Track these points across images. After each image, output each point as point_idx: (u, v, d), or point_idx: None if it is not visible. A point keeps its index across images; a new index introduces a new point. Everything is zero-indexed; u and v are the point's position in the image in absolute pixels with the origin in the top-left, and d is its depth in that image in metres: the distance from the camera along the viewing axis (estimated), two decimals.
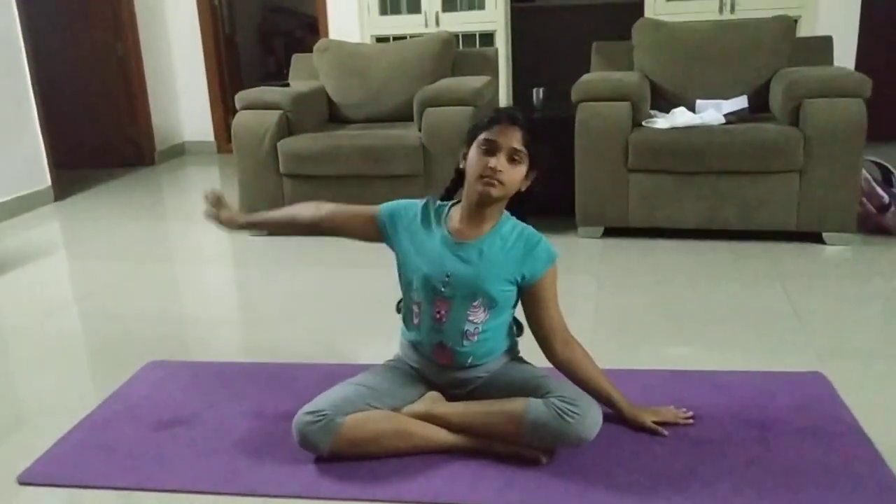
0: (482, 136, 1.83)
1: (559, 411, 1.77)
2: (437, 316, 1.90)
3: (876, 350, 2.49)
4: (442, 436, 1.91)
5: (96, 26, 5.91)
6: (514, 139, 1.82)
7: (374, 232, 1.99)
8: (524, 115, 1.87)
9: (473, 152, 1.85)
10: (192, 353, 2.67)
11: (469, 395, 1.97)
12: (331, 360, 2.53)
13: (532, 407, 1.81)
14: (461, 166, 1.90)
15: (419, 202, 1.98)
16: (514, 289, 1.90)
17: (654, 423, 1.97)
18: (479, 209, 1.88)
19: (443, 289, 1.88)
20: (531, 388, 1.87)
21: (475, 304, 1.88)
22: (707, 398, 2.14)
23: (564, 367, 1.94)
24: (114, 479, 1.89)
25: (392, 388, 1.96)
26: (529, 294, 1.91)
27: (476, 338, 1.91)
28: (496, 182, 1.80)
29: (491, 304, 1.89)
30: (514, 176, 1.83)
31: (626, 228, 3.71)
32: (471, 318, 1.89)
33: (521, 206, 1.95)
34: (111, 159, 6.10)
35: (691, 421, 2.01)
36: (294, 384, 2.31)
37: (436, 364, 1.96)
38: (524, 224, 1.93)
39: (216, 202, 2.08)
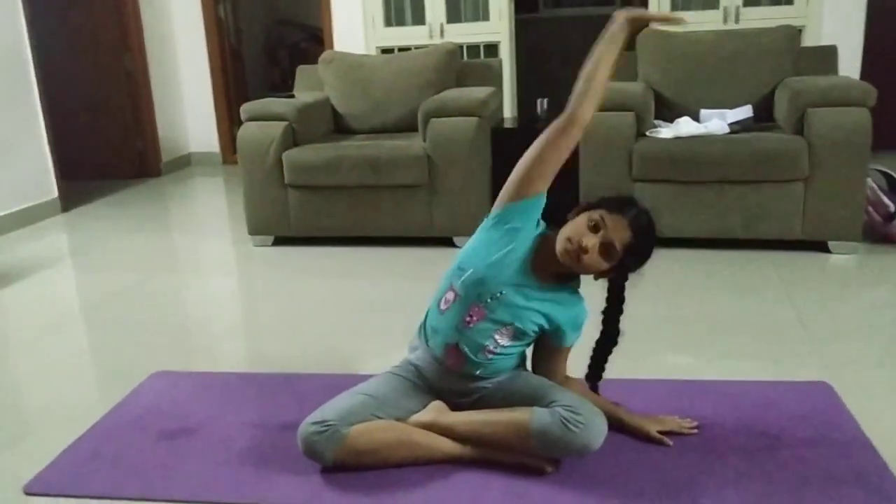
0: (599, 213, 1.79)
1: (564, 420, 1.77)
2: (467, 319, 1.89)
3: (881, 359, 2.48)
4: (446, 445, 1.91)
5: (103, 39, 5.95)
6: (620, 237, 1.77)
7: (525, 193, 1.88)
8: (649, 221, 1.83)
9: (583, 217, 1.81)
10: (197, 364, 2.68)
11: (473, 404, 1.96)
12: (335, 370, 2.53)
13: (537, 416, 1.81)
14: (569, 217, 1.87)
15: (542, 226, 1.93)
16: (540, 332, 1.93)
17: (659, 432, 1.97)
18: (555, 261, 1.84)
19: (488, 300, 1.87)
20: (536, 398, 1.87)
21: (506, 328, 1.89)
22: (712, 408, 2.14)
23: None
24: (119, 489, 1.89)
25: (396, 397, 1.96)
26: (548, 347, 1.97)
27: (492, 356, 1.92)
28: (575, 255, 1.77)
29: (519, 336, 1.91)
30: (595, 264, 1.79)
31: None
32: (496, 337, 1.89)
33: (613, 316, 1.94)
34: (118, 171, 6.13)
35: (695, 430, 2.01)
36: (298, 394, 2.31)
37: (443, 367, 1.96)
38: (581, 297, 1.94)
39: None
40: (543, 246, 1.88)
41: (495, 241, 1.89)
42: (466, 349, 1.91)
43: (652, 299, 3.09)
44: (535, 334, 1.93)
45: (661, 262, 3.48)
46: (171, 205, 5.39)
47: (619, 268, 1.84)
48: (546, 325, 1.90)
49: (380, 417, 1.90)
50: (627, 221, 1.79)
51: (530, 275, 1.87)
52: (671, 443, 1.96)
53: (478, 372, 1.93)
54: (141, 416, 2.25)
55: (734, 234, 3.58)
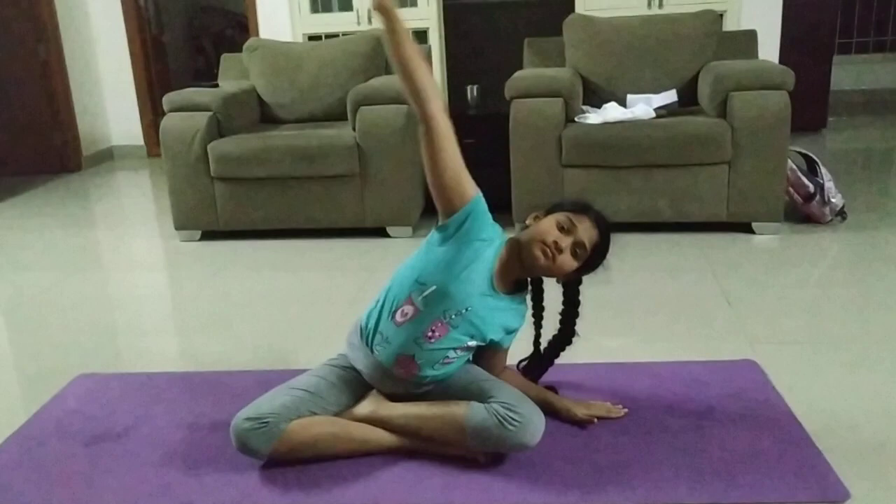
0: (566, 214, 1.86)
1: (500, 418, 1.77)
2: (429, 335, 1.86)
3: (804, 335, 2.56)
4: (384, 438, 1.89)
5: (15, 28, 5.70)
6: (589, 237, 1.86)
7: (454, 204, 1.81)
8: (607, 221, 1.92)
9: (549, 220, 1.87)
10: (124, 365, 2.60)
11: (414, 399, 1.95)
12: (268, 366, 2.49)
13: (474, 412, 1.80)
14: (527, 222, 1.94)
15: (499, 229, 1.92)
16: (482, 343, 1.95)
17: (587, 415, 2.00)
18: (519, 266, 1.88)
19: (452, 315, 1.85)
20: (474, 393, 1.87)
21: (470, 343, 1.89)
22: (644, 389, 2.17)
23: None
24: (44, 498, 1.81)
25: (333, 392, 1.93)
26: (493, 348, 1.99)
27: (447, 365, 1.91)
28: (550, 254, 1.82)
29: (479, 346, 1.93)
30: (566, 264, 1.85)
31: None
32: (458, 349, 1.89)
33: (570, 313, 2.02)
34: (34, 166, 5.90)
35: (622, 413, 2.03)
36: (230, 392, 2.26)
37: (388, 375, 1.92)
38: (524, 302, 1.99)
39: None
40: (506, 254, 1.89)
41: (456, 256, 1.84)
42: (422, 361, 1.88)
43: (583, 283, 3.12)
44: (491, 342, 1.95)
45: None
46: (93, 200, 5.21)
47: (582, 269, 1.91)
48: (504, 335, 1.95)
49: (316, 413, 1.88)
50: (592, 222, 1.87)
51: (493, 286, 1.88)
52: (595, 421, 2.00)
53: (427, 380, 1.92)
54: (65, 421, 2.17)
55: (662, 217, 3.64)
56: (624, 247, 3.50)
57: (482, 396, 1.84)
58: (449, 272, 1.83)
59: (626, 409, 2.05)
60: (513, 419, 1.77)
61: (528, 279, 1.99)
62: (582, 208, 1.90)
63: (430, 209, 4.19)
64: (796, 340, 2.52)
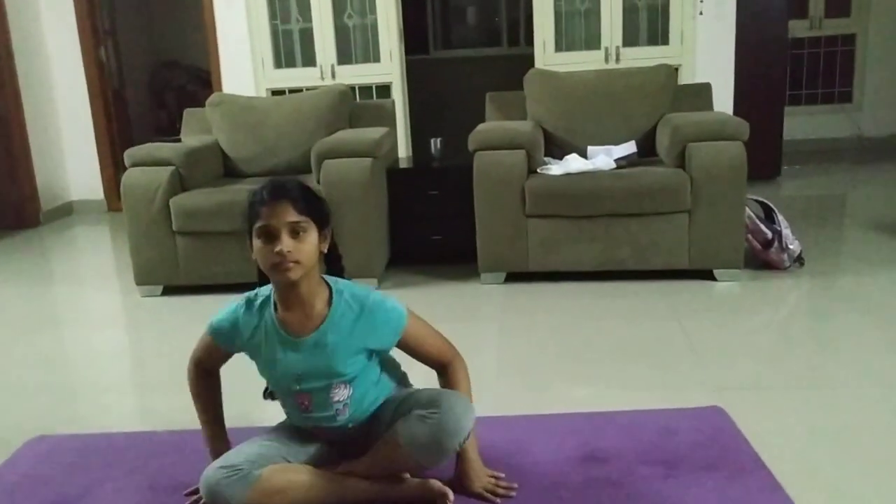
0: (256, 225, 1.73)
1: (422, 417, 1.77)
2: (302, 407, 1.90)
3: (768, 380, 2.58)
4: (356, 485, 1.88)
5: None
6: (288, 214, 1.70)
7: (224, 353, 1.99)
8: (289, 180, 1.77)
9: (256, 242, 1.75)
10: (82, 425, 2.52)
11: (366, 438, 1.93)
12: (229, 423, 2.42)
13: (402, 428, 1.80)
14: (253, 257, 1.79)
15: (238, 306, 1.90)
16: (368, 359, 1.88)
17: (480, 488, 1.90)
18: (294, 292, 1.79)
19: (298, 387, 1.87)
20: (402, 412, 1.86)
21: (333, 387, 1.86)
22: (612, 439, 2.16)
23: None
24: None
25: (299, 441, 1.94)
26: (401, 346, 1.89)
27: (347, 410, 1.90)
28: (290, 265, 1.71)
29: (350, 380, 1.87)
30: (307, 247, 1.73)
31: (528, 273, 3.75)
32: (335, 399, 1.87)
33: (335, 264, 1.93)
34: None
35: (513, 494, 1.90)
36: (192, 451, 2.20)
37: (324, 434, 1.96)
38: (362, 292, 1.85)
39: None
40: (276, 295, 1.86)
41: (251, 352, 1.94)
42: (325, 423, 1.91)
43: (548, 333, 3.12)
44: (363, 366, 1.86)
45: (556, 295, 3.56)
46: (52, 256, 5.11)
47: (322, 224, 1.79)
48: (361, 351, 1.84)
49: (289, 461, 1.87)
50: (273, 201, 1.71)
51: (295, 340, 1.83)
52: (499, 502, 1.87)
53: (350, 425, 1.92)
54: (18, 485, 2.09)
55: (624, 266, 3.68)
56: (588, 295, 3.53)
57: (406, 411, 1.84)
58: (261, 367, 1.93)
59: (516, 484, 1.92)
60: (432, 412, 1.76)
61: (322, 280, 1.86)
62: (261, 199, 1.72)
63: (396, 260, 4.19)
64: (761, 385, 2.54)
